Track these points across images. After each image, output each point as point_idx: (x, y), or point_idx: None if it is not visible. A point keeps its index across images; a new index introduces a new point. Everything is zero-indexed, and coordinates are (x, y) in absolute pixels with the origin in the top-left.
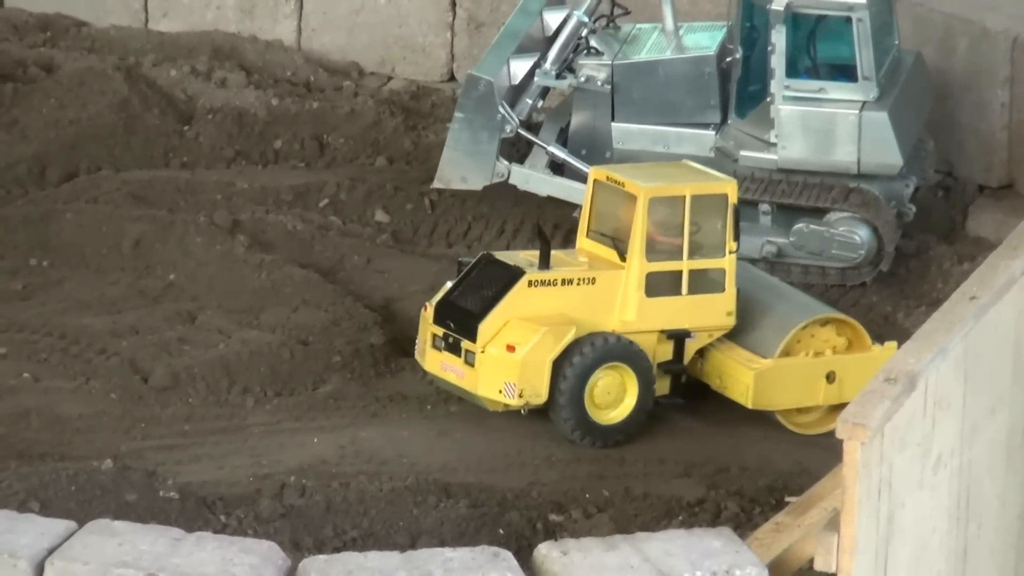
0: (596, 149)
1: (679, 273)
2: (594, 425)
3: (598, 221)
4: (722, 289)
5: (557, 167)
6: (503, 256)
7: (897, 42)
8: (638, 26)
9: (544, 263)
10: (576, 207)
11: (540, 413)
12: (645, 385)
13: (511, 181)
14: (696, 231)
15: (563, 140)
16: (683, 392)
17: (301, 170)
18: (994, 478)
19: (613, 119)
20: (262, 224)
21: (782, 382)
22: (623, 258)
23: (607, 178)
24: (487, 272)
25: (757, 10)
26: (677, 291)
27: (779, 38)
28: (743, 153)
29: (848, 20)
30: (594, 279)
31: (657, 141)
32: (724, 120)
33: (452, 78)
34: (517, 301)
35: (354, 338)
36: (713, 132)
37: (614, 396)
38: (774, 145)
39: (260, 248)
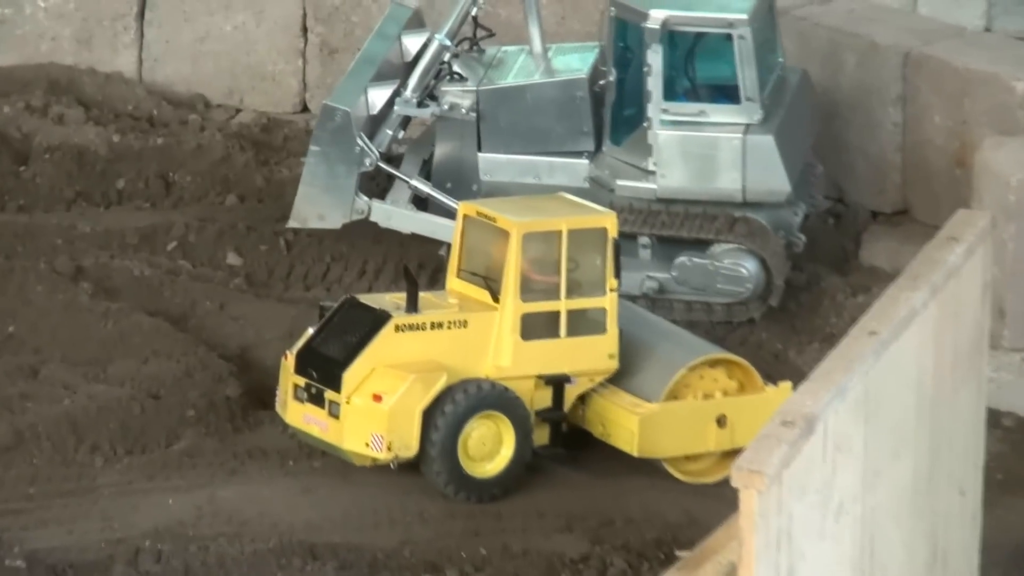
0: (462, 182)
1: (557, 314)
2: (469, 479)
3: (469, 260)
4: (603, 330)
5: (421, 202)
6: (368, 299)
7: (781, 59)
8: (503, 49)
9: (412, 306)
10: (442, 245)
11: (411, 467)
12: (523, 435)
13: (372, 218)
14: (574, 268)
15: (426, 173)
16: (563, 441)
17: (147, 211)
18: (899, 525)
19: (480, 149)
20: (107, 270)
21: (669, 427)
22: (496, 299)
23: (477, 213)
24: (351, 317)
25: (631, 29)
26: (555, 333)
27: (655, 58)
28: (619, 183)
29: (728, 37)
30: (465, 322)
31: (527, 172)
32: (598, 148)
33: (305, 108)
34: (384, 347)
35: (209, 390)
36: (587, 161)
37: (489, 447)
38: (652, 173)
39: (105, 295)
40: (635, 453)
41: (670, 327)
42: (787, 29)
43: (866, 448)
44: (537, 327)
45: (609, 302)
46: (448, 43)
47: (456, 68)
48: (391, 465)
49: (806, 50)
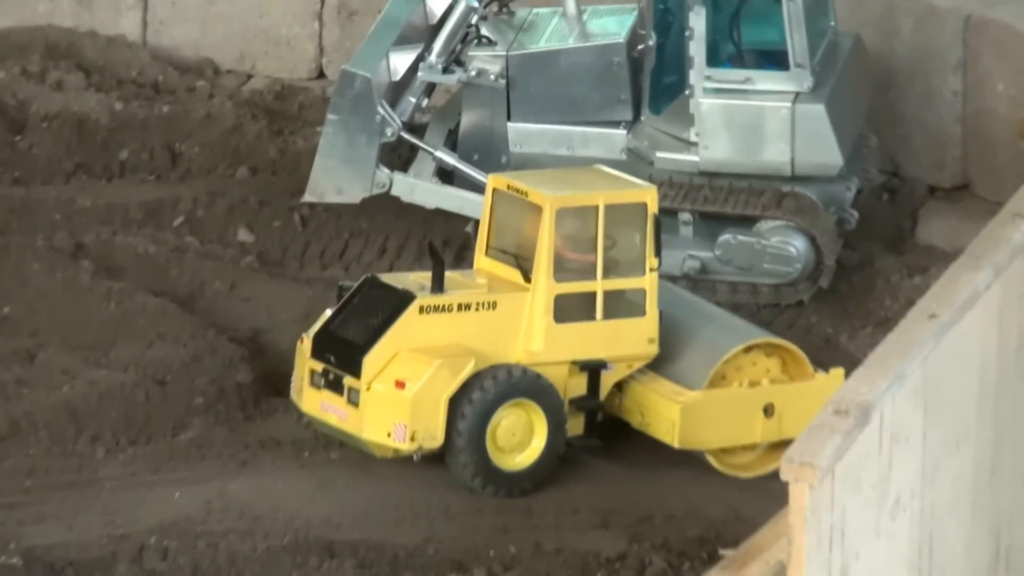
0: (490, 153)
1: (592, 295)
2: (497, 471)
3: (498, 236)
4: (642, 313)
5: (446, 175)
6: (390, 279)
7: (833, 23)
8: (535, 11)
9: (437, 286)
10: (468, 221)
11: (435, 459)
12: (555, 425)
13: (393, 192)
14: (611, 246)
15: (452, 144)
16: (599, 432)
17: (151, 184)
18: (959, 522)
19: (509, 118)
20: (109, 247)
21: (713, 417)
22: (528, 278)
23: (508, 187)
24: (372, 297)
25: None
26: (591, 316)
27: (698, 21)
28: (659, 155)
29: (777, 0)
30: (495, 303)
31: (560, 143)
32: (636, 117)
33: (321, 75)
34: (407, 330)
35: (218, 376)
36: (624, 131)
37: (520, 438)
38: (695, 144)
39: (107, 275)
40: (676, 445)
41: (714, 309)
42: None
43: (925, 439)
44: (571, 309)
45: (649, 283)
46: (476, 4)
47: (484, 31)
48: (414, 457)
49: (859, 13)
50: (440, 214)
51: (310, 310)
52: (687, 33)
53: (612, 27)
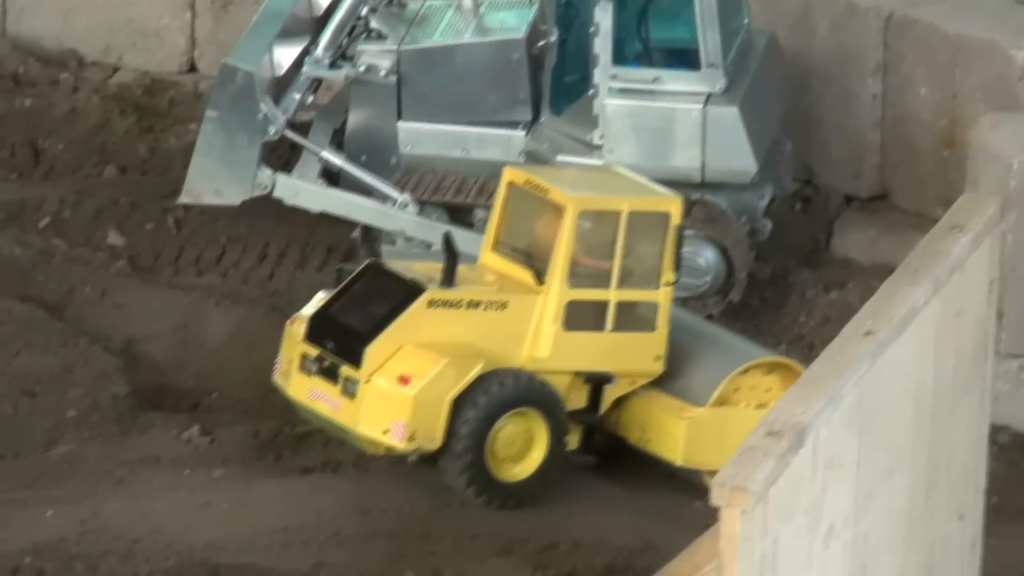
0: (379, 154)
1: (604, 304)
2: (493, 481)
3: (509, 233)
4: (652, 328)
5: (331, 177)
6: (396, 266)
7: (747, 21)
8: (428, 3)
9: (448, 279)
10: (354, 226)
11: (322, 481)
12: (557, 437)
13: (276, 194)
14: (626, 255)
15: (338, 143)
16: (595, 449)
17: (13, 183)
18: (893, 553)
19: (400, 117)
20: None
21: (719, 436)
22: (540, 281)
23: (526, 182)
24: (376, 284)
25: None
26: (600, 326)
27: (604, 16)
28: (560, 158)
29: None
30: (505, 303)
31: (454, 144)
32: (536, 118)
33: (193, 68)
34: (413, 323)
35: (91, 388)
36: (523, 133)
37: (518, 448)
38: (599, 148)
39: None
40: (679, 462)
41: (712, 327)
42: None
43: (859, 465)
44: (581, 317)
45: (663, 297)
46: None
47: (374, 24)
48: (409, 458)
49: (773, 11)
50: (324, 218)
51: (186, 319)
52: (592, 29)
53: (511, 22)
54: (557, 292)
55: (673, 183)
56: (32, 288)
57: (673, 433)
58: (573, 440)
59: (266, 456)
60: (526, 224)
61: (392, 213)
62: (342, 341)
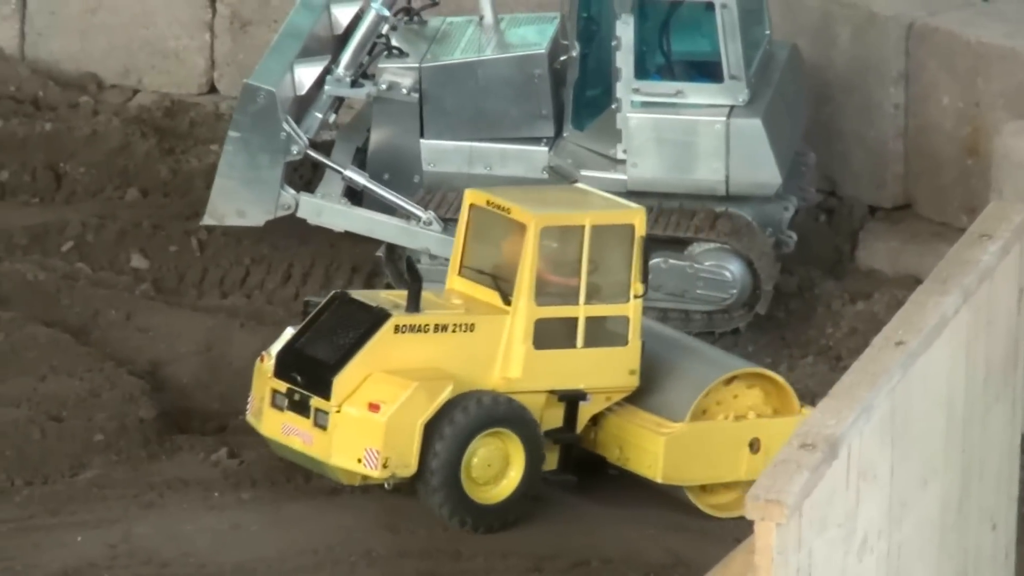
0: (402, 172)
1: (574, 321)
2: (472, 504)
3: (474, 255)
4: (624, 342)
5: (354, 196)
6: (361, 296)
7: (768, 32)
8: (449, 20)
9: (413, 304)
10: (379, 244)
11: (350, 500)
12: (534, 457)
13: (299, 214)
14: (593, 270)
15: (360, 162)
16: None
17: (35, 207)
18: (926, 564)
19: (422, 135)
20: None
21: (698, 451)
22: (507, 301)
23: (487, 203)
24: (343, 315)
25: None
26: (571, 343)
27: (625, 30)
28: (584, 173)
29: (710, 7)
30: (472, 325)
31: (477, 161)
32: (559, 133)
33: (213, 89)
34: (381, 350)
35: (118, 412)
36: (546, 148)
37: (496, 470)
38: (622, 162)
39: None
40: (658, 479)
41: (691, 340)
42: None
43: (892, 475)
44: (551, 335)
45: (632, 310)
46: (386, 13)
47: (395, 42)
48: (385, 485)
49: (794, 21)
50: (348, 237)
51: (211, 341)
52: (613, 43)
53: (532, 37)
54: (525, 311)
55: (697, 196)
56: (57, 312)
57: (652, 450)
58: (552, 460)
59: (294, 477)
60: (490, 245)
61: (416, 231)
62: (310, 373)
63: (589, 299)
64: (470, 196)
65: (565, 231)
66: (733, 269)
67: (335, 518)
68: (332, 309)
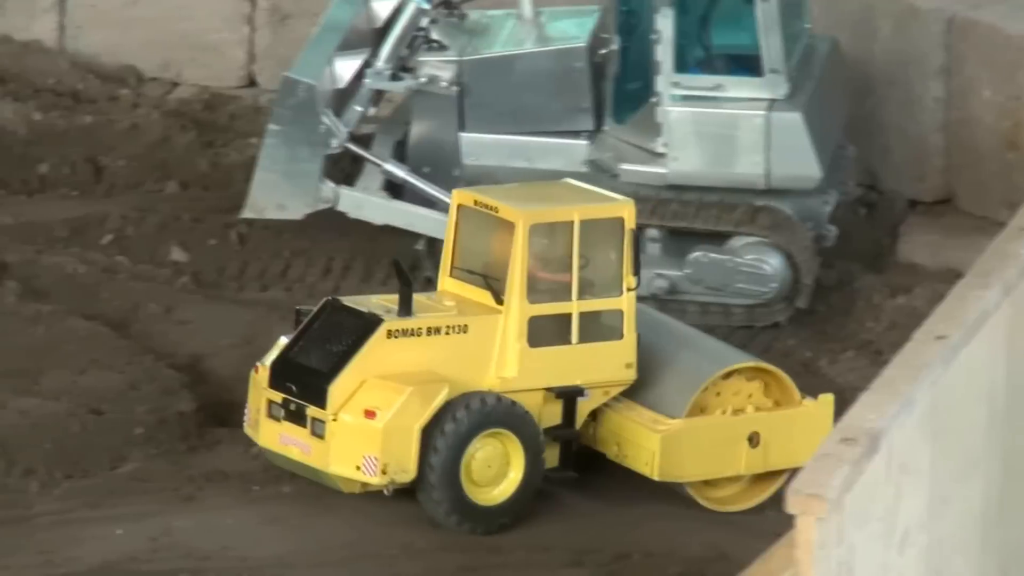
0: (441, 166)
1: (567, 317)
2: (473, 507)
3: (464, 256)
4: (619, 336)
5: (394, 188)
6: (352, 301)
7: (808, 26)
8: (489, 13)
9: (405, 308)
10: (419, 238)
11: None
12: (533, 456)
13: (339, 208)
14: (585, 265)
15: (400, 155)
16: (575, 464)
17: (75, 200)
18: (967, 559)
19: (462, 128)
20: (34, 267)
21: (695, 447)
22: (499, 300)
23: (475, 203)
24: (335, 322)
25: None
26: (566, 339)
27: (665, 24)
28: (624, 167)
29: (750, 0)
30: (466, 326)
31: (517, 154)
32: (599, 127)
33: (252, 83)
34: (374, 356)
35: (158, 405)
36: (586, 142)
37: (496, 470)
38: (662, 156)
39: (34, 297)
40: (655, 477)
41: (692, 332)
42: None
43: (933, 469)
44: (546, 332)
45: (626, 303)
46: (425, 6)
47: (435, 35)
48: (385, 492)
49: (834, 14)
50: (387, 231)
51: (251, 334)
52: (653, 36)
53: (572, 30)
54: (518, 309)
55: (737, 190)
56: (96, 305)
57: (648, 447)
58: (553, 458)
59: None
60: (480, 245)
61: None
62: (305, 383)
63: (582, 294)
64: (457, 196)
65: (554, 227)
66: (773, 263)
67: (376, 511)
68: (324, 317)
